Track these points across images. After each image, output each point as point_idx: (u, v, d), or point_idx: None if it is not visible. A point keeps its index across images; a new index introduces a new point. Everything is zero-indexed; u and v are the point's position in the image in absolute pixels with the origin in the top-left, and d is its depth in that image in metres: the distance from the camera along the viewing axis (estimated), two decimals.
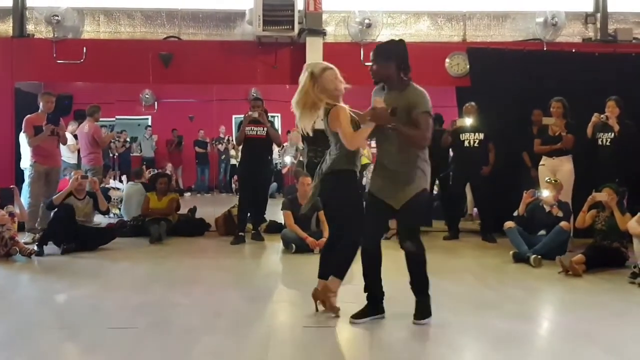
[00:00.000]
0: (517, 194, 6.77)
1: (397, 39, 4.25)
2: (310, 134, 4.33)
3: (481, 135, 7.64)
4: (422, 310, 3.94)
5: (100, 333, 3.80)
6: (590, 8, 9.27)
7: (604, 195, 5.92)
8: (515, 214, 6.64)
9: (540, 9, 8.85)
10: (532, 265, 5.93)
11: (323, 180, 4.10)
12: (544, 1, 8.93)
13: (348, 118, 3.99)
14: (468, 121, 7.54)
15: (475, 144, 7.67)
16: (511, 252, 6.26)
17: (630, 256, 5.83)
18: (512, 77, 7.94)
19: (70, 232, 6.61)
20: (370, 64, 4.12)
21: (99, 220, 8.86)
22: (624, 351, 3.55)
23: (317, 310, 4.17)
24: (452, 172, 8.18)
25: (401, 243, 4.00)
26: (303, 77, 4.09)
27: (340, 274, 4.10)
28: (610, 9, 9.17)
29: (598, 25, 9.14)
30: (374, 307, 4.07)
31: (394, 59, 3.98)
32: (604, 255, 5.84)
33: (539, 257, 6.00)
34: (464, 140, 7.70)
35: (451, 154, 8.54)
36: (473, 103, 7.67)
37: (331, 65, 4.18)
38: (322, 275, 4.19)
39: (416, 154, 3.89)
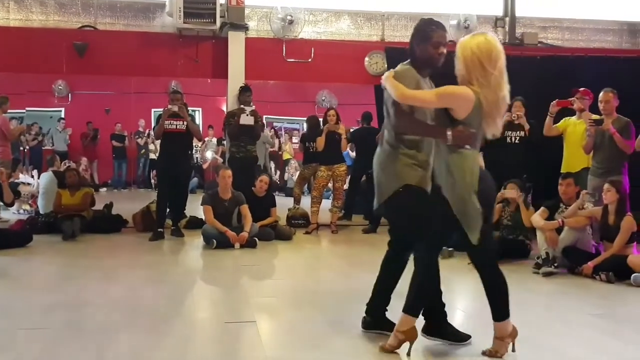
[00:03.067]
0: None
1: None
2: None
3: None
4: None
5: (9, 334, 3.67)
6: (500, 12, 9.76)
7: (512, 192, 6.23)
8: None
9: (453, 12, 9.23)
10: (443, 257, 6.18)
11: None
12: (457, 5, 9.32)
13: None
14: None
15: None
16: None
17: (533, 248, 6.20)
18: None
19: None
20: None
21: (8, 217, 8.50)
22: (526, 336, 3.76)
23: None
24: None
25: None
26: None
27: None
28: (518, 14, 9.69)
29: (507, 29, 9.65)
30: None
31: None
32: (509, 248, 6.18)
33: (450, 249, 6.26)
34: None
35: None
36: None
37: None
38: None
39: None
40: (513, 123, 7.09)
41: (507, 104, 3.22)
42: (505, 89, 3.16)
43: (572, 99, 6.68)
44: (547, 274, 5.47)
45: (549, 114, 6.72)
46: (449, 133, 3.13)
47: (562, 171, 6.53)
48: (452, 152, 3.15)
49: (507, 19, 9.66)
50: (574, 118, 6.78)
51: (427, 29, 3.40)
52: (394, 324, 3.42)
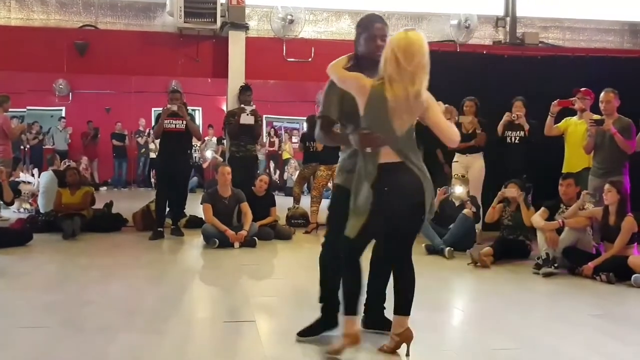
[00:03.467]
0: None
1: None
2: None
3: None
4: None
5: (8, 333, 3.66)
6: (500, 12, 9.74)
7: (513, 191, 6.23)
8: None
9: (454, 11, 9.22)
10: (446, 257, 6.19)
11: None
12: (457, 4, 9.30)
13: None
14: None
15: None
16: (423, 245, 6.51)
17: (533, 248, 6.18)
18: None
19: None
20: None
21: (8, 215, 8.50)
22: (525, 337, 3.79)
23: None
24: None
25: None
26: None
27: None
28: (518, 14, 9.67)
29: (507, 28, 9.62)
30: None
31: None
32: (510, 248, 6.17)
33: (452, 249, 6.26)
34: None
35: None
36: None
37: None
38: None
39: None
40: (513, 123, 7.09)
41: (420, 100, 3.11)
42: (420, 84, 3.09)
43: (573, 99, 6.67)
44: (547, 275, 5.46)
45: (550, 113, 6.71)
46: (351, 137, 3.23)
47: (562, 171, 6.52)
48: (361, 154, 3.20)
49: (508, 18, 9.64)
50: (575, 118, 6.77)
51: (368, 23, 3.44)
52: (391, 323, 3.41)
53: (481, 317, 4.35)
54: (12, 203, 7.27)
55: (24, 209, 9.32)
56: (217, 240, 6.60)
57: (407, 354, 3.31)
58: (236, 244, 6.60)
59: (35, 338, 3.58)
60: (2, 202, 6.96)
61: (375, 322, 3.67)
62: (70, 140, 14.45)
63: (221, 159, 12.76)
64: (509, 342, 3.69)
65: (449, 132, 3.32)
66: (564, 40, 9.92)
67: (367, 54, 3.40)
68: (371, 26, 3.40)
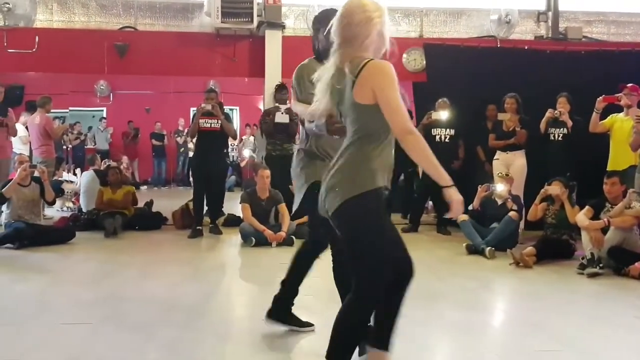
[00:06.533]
0: (472, 188, 6.91)
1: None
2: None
3: (452, 131, 7.67)
4: None
5: (51, 329, 3.73)
6: (542, 7, 9.52)
7: (556, 189, 6.09)
8: (470, 207, 6.77)
9: (494, 6, 9.05)
10: (487, 257, 6.07)
11: None
12: None
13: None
14: (444, 115, 7.46)
15: (446, 140, 7.69)
16: (464, 244, 6.40)
17: (578, 248, 6.02)
18: (467, 72, 8.08)
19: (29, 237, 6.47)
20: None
21: (52, 214, 8.69)
22: (569, 339, 3.69)
23: None
24: (420, 167, 8.20)
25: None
26: None
27: None
28: (561, 8, 9.43)
29: (549, 23, 9.39)
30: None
31: None
32: (553, 248, 6.03)
33: (493, 249, 6.14)
34: (435, 135, 7.72)
35: None
36: (446, 99, 7.59)
37: None
38: None
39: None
40: (557, 120, 6.93)
41: None
42: None
43: (620, 94, 6.49)
44: (592, 275, 5.30)
45: (595, 110, 6.55)
46: None
47: (608, 169, 6.35)
48: None
49: (550, 13, 9.40)
50: (621, 115, 6.58)
51: (332, 18, 3.35)
52: (299, 320, 3.68)
53: (523, 318, 4.25)
54: (53, 202, 7.44)
55: (67, 207, 9.53)
56: (253, 239, 6.62)
57: None
58: (273, 243, 6.62)
59: (77, 334, 3.64)
60: (44, 202, 7.11)
61: (281, 314, 3.74)
62: (111, 140, 14.74)
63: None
64: (552, 344, 3.59)
65: None
66: (609, 35, 9.64)
67: (328, 48, 3.35)
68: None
